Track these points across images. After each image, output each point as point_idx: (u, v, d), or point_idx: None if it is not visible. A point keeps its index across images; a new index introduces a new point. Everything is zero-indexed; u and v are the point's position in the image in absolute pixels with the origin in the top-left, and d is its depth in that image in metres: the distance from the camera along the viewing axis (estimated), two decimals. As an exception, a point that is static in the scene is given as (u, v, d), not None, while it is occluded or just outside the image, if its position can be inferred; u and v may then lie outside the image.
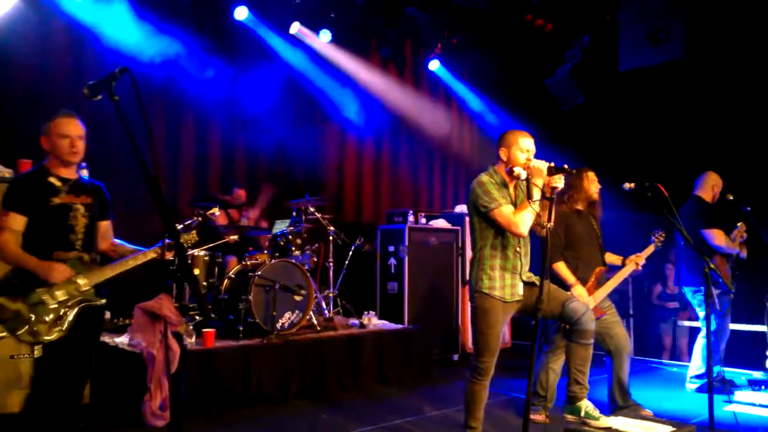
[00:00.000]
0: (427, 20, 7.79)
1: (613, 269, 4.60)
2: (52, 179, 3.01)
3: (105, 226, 3.27)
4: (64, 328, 2.85)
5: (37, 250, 2.93)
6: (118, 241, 3.34)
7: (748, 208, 5.27)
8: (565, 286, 4.17)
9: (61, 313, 2.84)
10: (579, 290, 4.18)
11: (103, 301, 3.07)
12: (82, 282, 2.94)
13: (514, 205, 3.54)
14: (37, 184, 2.99)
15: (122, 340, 4.61)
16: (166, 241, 3.09)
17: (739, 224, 5.32)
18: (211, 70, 6.51)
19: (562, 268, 4.27)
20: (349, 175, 7.94)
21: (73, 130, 3.02)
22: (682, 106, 7.11)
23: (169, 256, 3.12)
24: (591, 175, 4.49)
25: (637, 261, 4.53)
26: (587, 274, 4.31)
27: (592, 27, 7.64)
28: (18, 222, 2.93)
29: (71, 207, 3.02)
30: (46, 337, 2.81)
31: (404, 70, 8.36)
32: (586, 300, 4.13)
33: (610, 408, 4.40)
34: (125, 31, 5.86)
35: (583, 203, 4.47)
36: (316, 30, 7.34)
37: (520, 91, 8.62)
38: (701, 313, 5.28)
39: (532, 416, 4.22)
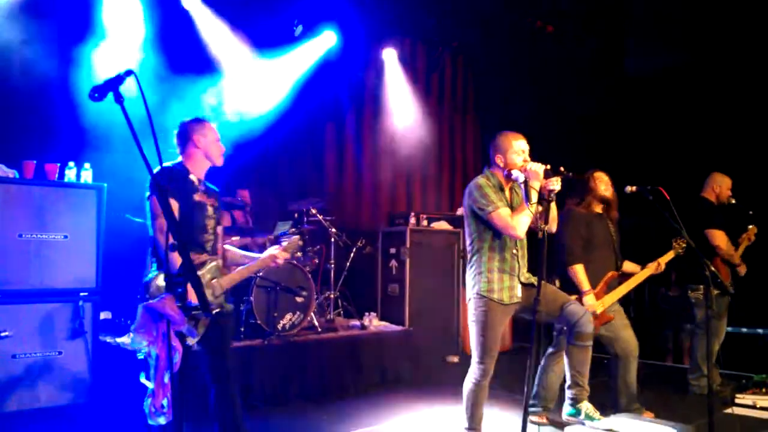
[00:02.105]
0: (432, 23, 7.81)
1: (627, 276, 4.55)
2: (191, 177, 3.09)
3: (220, 231, 3.29)
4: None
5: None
6: (228, 245, 3.37)
7: (751, 212, 5.29)
8: (578, 291, 4.18)
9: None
10: (590, 299, 4.16)
11: (231, 306, 3.06)
12: (216, 287, 2.94)
13: (511, 207, 3.55)
14: (181, 177, 3.05)
15: (124, 339, 4.64)
16: (282, 244, 3.18)
17: (750, 227, 5.33)
18: (209, 69, 6.54)
19: (580, 272, 4.24)
20: (350, 176, 7.95)
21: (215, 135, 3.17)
22: (689, 109, 7.12)
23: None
24: (599, 176, 4.49)
25: (656, 266, 4.49)
26: (597, 278, 4.28)
27: (601, 30, 7.65)
28: (173, 208, 2.93)
29: (205, 206, 3.08)
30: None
31: (409, 72, 8.37)
32: (594, 309, 4.12)
33: (613, 411, 4.36)
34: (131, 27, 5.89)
35: (598, 205, 4.47)
36: (319, 32, 7.35)
37: (525, 94, 8.62)
38: (699, 314, 5.30)
39: (532, 417, 4.32)
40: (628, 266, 4.60)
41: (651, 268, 4.50)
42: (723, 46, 6.62)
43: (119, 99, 2.21)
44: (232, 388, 3.08)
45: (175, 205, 2.93)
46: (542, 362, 4.52)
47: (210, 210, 3.09)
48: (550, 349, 4.54)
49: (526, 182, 3.39)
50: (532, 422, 4.33)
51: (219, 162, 3.19)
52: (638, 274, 4.51)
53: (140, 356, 2.52)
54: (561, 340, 4.38)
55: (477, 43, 8.30)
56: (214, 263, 3.00)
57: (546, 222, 3.24)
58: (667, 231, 4.67)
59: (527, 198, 3.39)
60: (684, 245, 4.57)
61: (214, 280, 2.95)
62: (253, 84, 6.83)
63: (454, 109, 9.04)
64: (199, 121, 3.19)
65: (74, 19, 5.65)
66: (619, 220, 4.60)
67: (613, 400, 4.45)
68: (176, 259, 2.58)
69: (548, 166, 3.38)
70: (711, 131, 6.90)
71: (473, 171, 8.72)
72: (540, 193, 3.35)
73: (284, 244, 3.32)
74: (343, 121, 7.77)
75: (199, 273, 2.91)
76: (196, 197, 3.04)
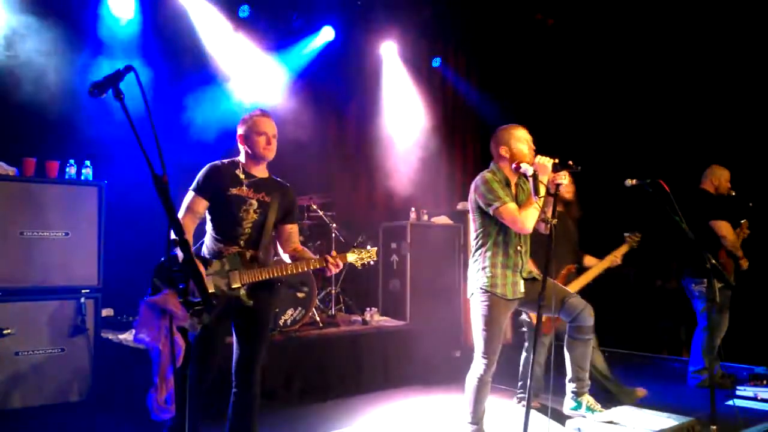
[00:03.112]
0: (430, 17, 7.79)
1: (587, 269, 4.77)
2: (239, 172, 3.14)
3: (288, 229, 3.28)
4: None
5: (212, 239, 3.05)
6: (302, 247, 3.32)
7: (751, 204, 5.30)
8: None
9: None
10: None
11: (250, 302, 3.02)
12: (233, 279, 2.95)
13: (516, 202, 3.55)
14: (225, 173, 3.10)
15: (126, 336, 4.66)
16: (333, 252, 3.15)
17: (742, 221, 5.34)
18: (210, 66, 6.54)
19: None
20: (351, 171, 7.95)
21: (269, 128, 3.16)
22: (686, 103, 7.11)
23: (333, 267, 3.13)
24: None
25: (612, 259, 4.69)
26: (556, 273, 4.43)
27: (596, 23, 7.63)
28: (199, 204, 3.04)
29: (245, 200, 3.08)
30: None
31: (409, 67, 8.35)
32: None
33: (605, 398, 4.43)
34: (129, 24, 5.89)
35: (559, 204, 4.50)
36: (318, 26, 7.35)
37: (524, 88, 8.62)
38: (700, 307, 5.30)
39: (524, 403, 4.34)
40: (589, 260, 4.82)
41: (607, 261, 4.71)
42: (720, 41, 6.61)
43: (119, 95, 2.20)
44: (254, 390, 3.09)
45: (201, 202, 3.03)
46: (526, 355, 4.64)
47: (253, 204, 3.09)
48: (528, 343, 4.65)
49: (535, 175, 3.36)
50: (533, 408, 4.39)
51: (263, 155, 3.17)
52: (595, 267, 4.70)
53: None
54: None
55: (478, 36, 8.28)
56: (236, 253, 3.00)
57: (553, 216, 3.23)
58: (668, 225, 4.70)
59: (536, 191, 3.36)
60: (638, 239, 4.76)
61: (233, 272, 2.96)
62: (253, 78, 6.83)
63: (455, 104, 9.03)
64: (246, 115, 3.24)
65: (74, 19, 5.64)
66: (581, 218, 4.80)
67: (598, 389, 4.52)
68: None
69: (556, 160, 3.37)
70: (707, 124, 6.90)
71: (474, 166, 8.71)
72: (547, 187, 3.35)
73: (353, 253, 3.28)
74: (344, 116, 7.75)
75: (218, 261, 2.97)
76: (234, 191, 3.06)
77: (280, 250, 3.30)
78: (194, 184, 3.09)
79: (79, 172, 4.69)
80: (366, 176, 8.08)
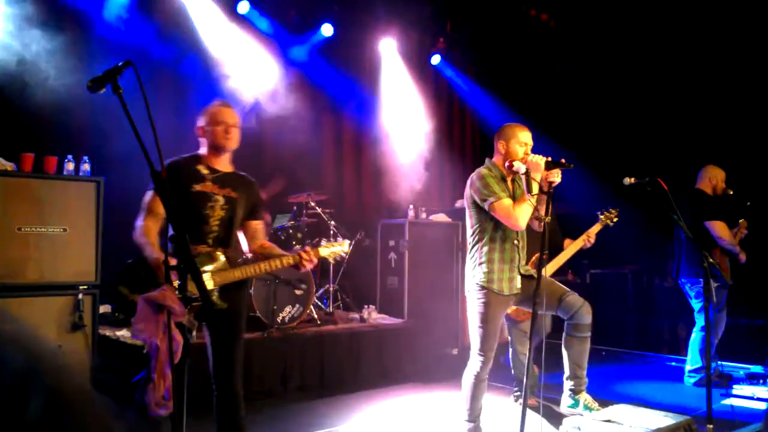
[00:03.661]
0: (430, 14, 7.78)
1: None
2: (201, 166, 3.01)
3: (254, 225, 3.16)
4: None
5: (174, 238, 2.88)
6: (269, 243, 3.23)
7: (749, 203, 5.31)
8: None
9: None
10: None
11: (224, 304, 2.86)
12: (207, 281, 2.78)
13: (512, 198, 3.55)
14: (186, 169, 2.97)
15: (124, 333, 4.65)
16: (306, 248, 3.04)
17: (740, 221, 5.35)
18: (211, 62, 6.54)
19: None
20: (349, 169, 7.95)
21: (228, 118, 3.03)
22: (684, 101, 7.12)
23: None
24: None
25: (585, 239, 4.74)
26: (528, 259, 4.49)
27: (597, 22, 7.64)
28: (160, 205, 2.81)
29: (210, 196, 2.95)
30: None
31: (407, 64, 8.35)
32: None
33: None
34: (127, 17, 5.87)
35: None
36: (317, 23, 7.34)
37: (522, 86, 8.62)
38: (696, 306, 5.31)
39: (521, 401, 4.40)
40: (567, 243, 4.88)
41: (580, 242, 4.75)
42: (720, 40, 6.61)
43: (117, 90, 2.20)
44: (235, 390, 2.99)
45: (161, 201, 2.84)
46: (509, 350, 4.71)
47: (219, 200, 2.96)
48: (511, 338, 4.74)
49: (527, 173, 3.39)
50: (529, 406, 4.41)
51: (222, 145, 3.02)
52: (568, 248, 4.75)
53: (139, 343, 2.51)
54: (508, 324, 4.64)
55: (477, 33, 8.28)
56: (206, 253, 2.88)
57: (546, 213, 3.24)
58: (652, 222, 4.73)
59: (528, 189, 3.39)
60: (613, 216, 4.77)
61: (205, 274, 2.81)
62: (251, 75, 6.82)
63: (454, 101, 9.03)
64: (207, 107, 3.11)
65: (73, 14, 5.63)
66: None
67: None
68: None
69: (549, 159, 3.39)
70: (701, 124, 6.92)
71: (472, 163, 8.71)
72: (540, 185, 3.36)
73: (325, 248, 3.17)
74: (342, 113, 7.75)
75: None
76: (198, 187, 2.93)
77: (245, 248, 3.19)
78: (153, 183, 2.98)
79: (77, 168, 4.67)
80: (364, 173, 8.08)
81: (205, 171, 3.00)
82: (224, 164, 3.10)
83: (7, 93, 5.27)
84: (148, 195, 2.95)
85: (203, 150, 3.08)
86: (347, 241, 3.33)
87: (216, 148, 3.04)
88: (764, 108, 6.53)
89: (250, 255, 3.18)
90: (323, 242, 3.26)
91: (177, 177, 2.90)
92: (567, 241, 4.93)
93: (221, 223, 2.96)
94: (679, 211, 3.78)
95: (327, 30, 7.38)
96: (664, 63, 7.19)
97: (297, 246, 5.76)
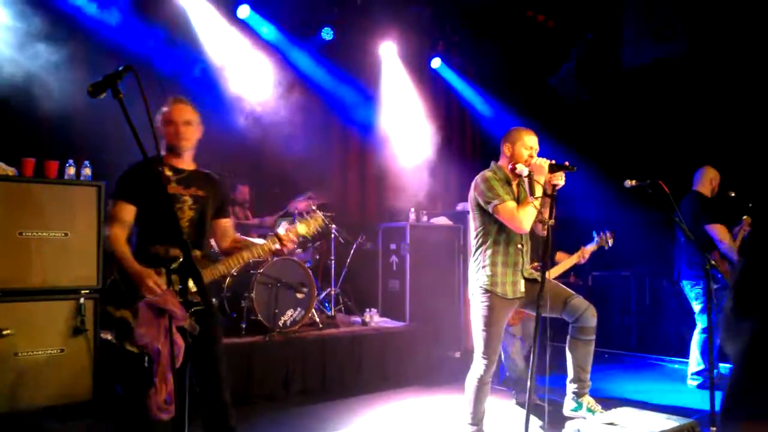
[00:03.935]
0: (430, 17, 7.79)
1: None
2: (164, 168, 2.91)
3: (224, 224, 3.11)
4: None
5: (140, 244, 2.82)
6: (242, 237, 3.17)
7: (751, 204, 5.29)
8: None
9: None
10: None
11: (196, 329, 2.73)
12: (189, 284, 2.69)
13: (517, 201, 3.55)
14: (148, 172, 2.82)
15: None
16: (278, 231, 2.97)
17: (744, 218, 5.33)
18: (210, 67, 6.55)
19: None
20: (350, 172, 7.96)
21: (179, 115, 2.91)
22: (684, 102, 7.11)
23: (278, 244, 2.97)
24: None
25: (580, 255, 4.87)
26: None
27: (597, 23, 7.64)
28: (127, 212, 2.81)
29: (178, 198, 2.87)
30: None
31: (407, 68, 8.36)
32: None
33: (500, 378, 5.01)
34: (126, 23, 5.88)
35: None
36: (317, 28, 7.35)
37: (523, 88, 8.62)
38: (698, 308, 5.30)
39: (520, 399, 4.74)
40: (559, 256, 4.97)
41: (575, 258, 4.86)
42: (720, 36, 6.59)
43: (117, 95, 2.20)
44: (222, 396, 2.92)
45: (128, 208, 2.81)
46: (503, 354, 4.82)
47: (187, 200, 2.89)
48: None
49: (530, 176, 3.39)
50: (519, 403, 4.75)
51: (175, 145, 2.91)
52: (563, 262, 4.83)
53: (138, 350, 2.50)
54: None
55: (478, 36, 8.28)
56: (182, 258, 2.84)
57: (550, 216, 3.24)
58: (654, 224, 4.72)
59: (531, 192, 3.39)
60: (609, 238, 4.92)
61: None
62: (253, 78, 6.84)
63: (454, 104, 9.03)
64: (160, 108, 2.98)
65: (73, 19, 5.64)
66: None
67: (501, 369, 4.93)
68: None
69: (553, 161, 3.38)
70: (701, 125, 6.90)
71: (473, 166, 8.70)
72: (543, 188, 3.36)
73: (302, 224, 3.10)
74: (343, 116, 7.75)
75: (163, 267, 2.77)
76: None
77: (215, 247, 3.12)
78: (117, 190, 2.87)
79: (78, 173, 4.67)
80: (365, 177, 8.09)
81: (168, 172, 2.91)
82: (187, 163, 3.02)
83: (9, 99, 5.28)
84: (112, 203, 2.86)
85: (164, 151, 3.00)
86: (320, 213, 3.26)
87: (171, 149, 2.95)
88: (763, 108, 6.52)
89: (221, 255, 3.09)
90: (298, 219, 3.16)
91: (142, 181, 2.83)
92: (559, 254, 4.97)
93: (191, 223, 2.90)
94: (679, 213, 3.78)
95: (327, 34, 7.39)
96: (665, 63, 7.18)
97: (299, 250, 5.76)
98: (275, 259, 5.37)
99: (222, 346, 2.99)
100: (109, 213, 2.85)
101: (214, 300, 3.02)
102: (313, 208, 6.18)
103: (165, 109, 2.92)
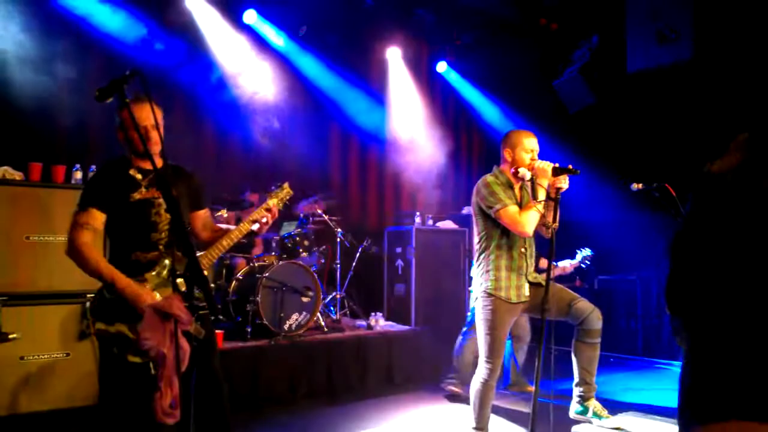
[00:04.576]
0: (435, 22, 7.80)
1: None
2: (133, 171, 2.77)
3: (202, 215, 3.06)
4: None
5: (117, 251, 2.74)
6: (223, 226, 3.13)
7: None
8: None
9: None
10: None
11: (202, 333, 2.71)
12: (181, 283, 2.57)
13: (519, 206, 3.55)
14: (117, 177, 2.74)
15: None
16: (261, 207, 2.95)
17: None
18: (217, 72, 6.57)
19: None
20: (355, 176, 7.96)
21: (145, 118, 2.67)
22: (690, 106, 7.08)
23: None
24: None
25: (564, 267, 5.19)
26: None
27: (601, 26, 7.62)
28: (97, 219, 2.69)
29: (153, 203, 2.76)
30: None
31: (412, 72, 8.37)
32: None
33: (504, 383, 5.19)
34: (133, 33, 5.90)
35: None
36: (323, 32, 7.36)
37: (528, 92, 8.61)
38: None
39: (449, 387, 5.07)
40: (543, 262, 5.00)
41: (559, 270, 5.20)
42: (725, 42, 6.57)
43: (124, 100, 2.21)
44: (221, 401, 2.89)
45: (98, 216, 2.69)
46: (458, 341, 5.12)
47: (162, 203, 2.74)
48: (464, 329, 5.12)
49: (533, 180, 3.39)
50: (453, 392, 5.08)
51: (150, 148, 2.66)
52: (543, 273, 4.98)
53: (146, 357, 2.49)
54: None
55: (480, 39, 8.28)
56: (167, 262, 2.75)
57: (554, 220, 3.24)
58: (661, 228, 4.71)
59: (534, 196, 3.39)
60: (588, 256, 5.28)
61: (179, 279, 2.65)
62: (258, 84, 6.86)
63: (459, 108, 9.03)
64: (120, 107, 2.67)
65: (82, 30, 5.67)
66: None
67: (504, 373, 5.09)
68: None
69: (556, 165, 3.38)
70: (710, 127, 6.87)
71: (478, 170, 8.71)
72: (547, 191, 3.35)
73: (272, 198, 3.09)
74: (349, 120, 7.76)
75: (151, 274, 2.72)
76: (136, 196, 2.73)
77: (196, 239, 3.09)
78: (85, 197, 2.72)
79: (85, 177, 4.70)
80: (371, 181, 8.09)
81: (138, 175, 2.77)
82: (153, 162, 2.72)
83: (16, 104, 5.31)
84: (81, 210, 2.72)
85: (128, 151, 2.84)
86: (287, 183, 3.21)
87: (137, 154, 2.79)
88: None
89: (201, 251, 3.03)
90: (268, 195, 3.14)
91: (111, 188, 2.72)
92: (543, 261, 5.01)
93: (171, 226, 2.76)
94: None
95: (332, 39, 7.40)
96: (670, 67, 7.16)
97: (304, 254, 5.76)
98: (281, 263, 5.38)
99: (217, 351, 2.96)
100: (77, 220, 2.69)
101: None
102: (319, 211, 6.20)
103: (130, 110, 2.46)
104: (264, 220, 2.97)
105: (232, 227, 3.04)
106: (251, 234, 3.03)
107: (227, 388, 2.95)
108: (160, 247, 2.76)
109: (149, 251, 2.74)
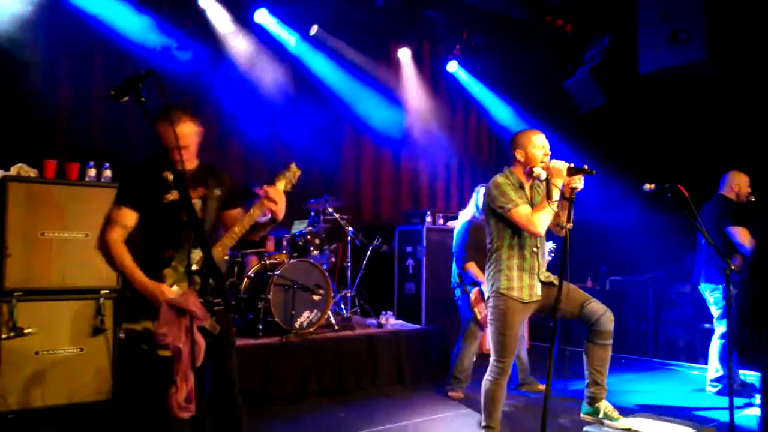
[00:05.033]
0: (445, 22, 7.80)
1: None
2: (167, 173, 2.80)
3: (234, 215, 3.02)
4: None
5: (149, 250, 2.78)
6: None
7: None
8: (476, 283, 4.97)
9: None
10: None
11: (217, 328, 2.74)
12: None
13: (531, 205, 3.54)
14: (151, 178, 2.78)
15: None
16: (265, 187, 2.88)
17: None
18: (228, 70, 6.62)
19: (473, 267, 4.95)
20: (367, 175, 7.98)
21: (180, 138, 2.67)
22: (705, 107, 7.04)
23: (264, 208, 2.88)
24: (483, 190, 4.95)
25: None
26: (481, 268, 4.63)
27: (612, 27, 7.59)
28: (129, 217, 2.74)
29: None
30: None
31: (423, 72, 8.38)
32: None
33: (513, 383, 5.07)
34: (146, 33, 5.94)
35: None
36: (335, 32, 7.37)
37: (539, 92, 8.59)
38: (717, 313, 5.25)
39: (450, 393, 5.07)
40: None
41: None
42: (739, 40, 6.52)
43: (139, 99, 2.23)
44: (235, 397, 2.90)
45: (131, 215, 2.74)
46: (456, 347, 5.14)
47: (196, 204, 2.80)
48: (461, 336, 5.15)
49: (547, 179, 3.37)
50: (453, 397, 5.08)
51: (180, 166, 2.70)
52: None
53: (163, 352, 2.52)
54: (471, 326, 5.07)
55: (492, 39, 8.27)
56: (186, 257, 2.77)
57: (568, 220, 3.23)
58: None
59: (548, 195, 3.37)
60: (552, 249, 5.22)
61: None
62: (268, 82, 6.89)
63: (470, 107, 9.03)
64: (163, 112, 2.76)
65: (99, 31, 5.72)
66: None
67: (515, 373, 5.14)
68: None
69: (571, 165, 3.36)
70: (722, 129, 6.83)
71: (489, 169, 8.70)
72: (561, 191, 3.34)
73: (280, 181, 3.02)
74: (360, 120, 7.77)
75: (169, 269, 2.75)
76: (169, 197, 2.77)
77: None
78: (120, 195, 2.80)
79: (99, 174, 4.74)
80: (382, 180, 8.10)
81: (171, 177, 2.78)
82: (189, 163, 2.88)
83: (31, 102, 5.37)
84: (115, 208, 2.77)
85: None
86: (293, 164, 3.14)
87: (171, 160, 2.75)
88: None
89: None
90: (276, 178, 3.06)
91: (145, 188, 2.77)
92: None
93: (188, 223, 2.74)
94: (700, 217, 3.74)
95: (343, 38, 7.41)
96: (683, 68, 7.12)
97: (315, 252, 5.77)
98: (292, 261, 5.40)
99: (235, 347, 2.98)
100: (110, 216, 2.75)
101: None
102: (330, 210, 6.22)
103: (160, 128, 2.67)
104: (277, 204, 2.88)
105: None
106: (270, 222, 2.96)
107: (239, 385, 2.97)
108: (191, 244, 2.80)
109: (179, 250, 2.78)
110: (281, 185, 3.00)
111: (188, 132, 2.79)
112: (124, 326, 2.65)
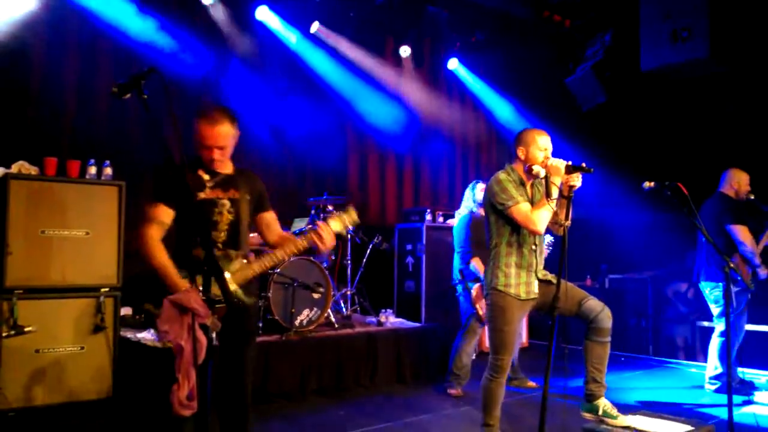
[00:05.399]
0: (447, 19, 7.80)
1: None
2: (200, 172, 2.90)
3: (266, 217, 3.13)
4: None
5: (181, 246, 2.85)
6: (286, 234, 3.19)
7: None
8: (478, 279, 4.99)
9: None
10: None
11: (253, 299, 2.94)
12: (230, 282, 2.75)
13: (531, 203, 3.55)
14: (186, 176, 2.75)
15: (144, 335, 4.71)
16: (311, 227, 2.94)
17: None
18: (230, 68, 6.62)
19: (477, 262, 4.98)
20: (367, 173, 7.98)
21: (213, 140, 2.87)
22: (706, 104, 7.04)
23: (303, 243, 2.95)
24: (481, 185, 5.12)
25: None
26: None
27: (614, 24, 7.59)
28: (165, 214, 2.82)
29: (216, 203, 2.90)
30: None
31: (424, 69, 8.38)
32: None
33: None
34: (149, 31, 5.94)
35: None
36: (339, 31, 7.38)
37: (540, 89, 8.59)
38: (716, 310, 5.26)
39: (449, 391, 5.11)
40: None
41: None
42: (741, 38, 6.52)
43: (141, 96, 2.23)
44: (245, 397, 2.94)
45: (167, 211, 2.83)
46: (455, 342, 5.21)
47: (225, 204, 2.91)
48: (460, 331, 5.20)
49: (546, 178, 3.38)
50: (453, 395, 5.11)
51: (206, 158, 2.90)
52: None
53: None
54: (472, 323, 5.14)
55: (492, 36, 8.27)
56: (222, 256, 2.86)
57: (566, 218, 3.24)
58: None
59: (548, 193, 3.38)
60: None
61: (227, 275, 2.79)
62: (267, 79, 6.89)
63: (471, 104, 9.03)
64: (197, 115, 2.94)
65: (100, 28, 5.72)
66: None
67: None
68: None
69: (569, 163, 3.38)
70: (726, 126, 6.83)
71: (489, 167, 8.71)
72: (560, 189, 3.35)
73: (335, 221, 3.03)
74: (359, 118, 7.78)
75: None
76: (202, 195, 2.86)
77: (264, 239, 3.16)
78: (155, 192, 2.91)
79: (99, 172, 4.74)
80: (383, 178, 8.11)
81: (205, 176, 2.91)
82: (224, 165, 3.00)
83: (33, 100, 5.37)
84: (152, 204, 2.87)
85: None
86: (352, 208, 3.14)
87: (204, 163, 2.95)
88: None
89: (268, 249, 3.11)
90: (331, 216, 3.11)
91: (179, 186, 2.77)
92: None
93: (230, 227, 2.92)
94: (700, 215, 3.75)
95: (345, 35, 7.42)
96: (685, 65, 7.12)
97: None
98: (292, 259, 5.40)
99: (254, 347, 3.02)
100: (148, 213, 2.84)
101: (254, 300, 3.02)
102: (330, 208, 6.23)
103: (198, 125, 2.87)
104: (323, 243, 2.94)
105: (294, 238, 3.06)
106: (309, 251, 3.04)
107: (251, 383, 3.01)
108: (219, 245, 2.89)
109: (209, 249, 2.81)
110: (335, 225, 3.04)
111: (225, 133, 2.88)
112: (146, 305, 2.71)
